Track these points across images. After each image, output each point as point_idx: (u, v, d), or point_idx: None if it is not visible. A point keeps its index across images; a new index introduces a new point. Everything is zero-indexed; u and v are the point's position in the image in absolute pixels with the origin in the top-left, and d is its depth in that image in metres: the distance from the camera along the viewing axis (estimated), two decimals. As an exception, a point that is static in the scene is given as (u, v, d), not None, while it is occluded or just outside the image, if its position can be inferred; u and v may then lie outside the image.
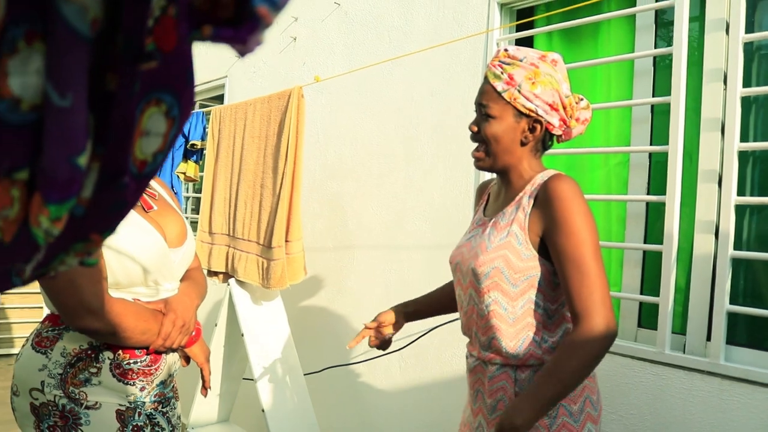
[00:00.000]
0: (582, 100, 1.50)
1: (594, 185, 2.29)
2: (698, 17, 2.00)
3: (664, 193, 1.98)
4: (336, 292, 3.15)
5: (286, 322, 3.02)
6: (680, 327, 2.00)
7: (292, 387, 2.87)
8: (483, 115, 1.48)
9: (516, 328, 1.43)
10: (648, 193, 2.12)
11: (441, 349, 2.61)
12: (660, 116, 2.11)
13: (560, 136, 1.51)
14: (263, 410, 2.72)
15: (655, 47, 2.12)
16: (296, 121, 2.66)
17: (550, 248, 1.40)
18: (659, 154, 2.09)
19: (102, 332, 1.38)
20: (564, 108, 1.45)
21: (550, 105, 1.43)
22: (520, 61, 1.44)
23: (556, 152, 2.33)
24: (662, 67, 2.13)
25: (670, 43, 2.04)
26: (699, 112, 1.93)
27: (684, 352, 1.93)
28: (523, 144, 1.47)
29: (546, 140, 1.51)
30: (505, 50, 1.47)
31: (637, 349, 2.01)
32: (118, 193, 0.42)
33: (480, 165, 1.53)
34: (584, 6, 2.20)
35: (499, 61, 1.46)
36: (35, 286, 6.01)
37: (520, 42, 2.49)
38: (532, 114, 1.43)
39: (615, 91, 2.24)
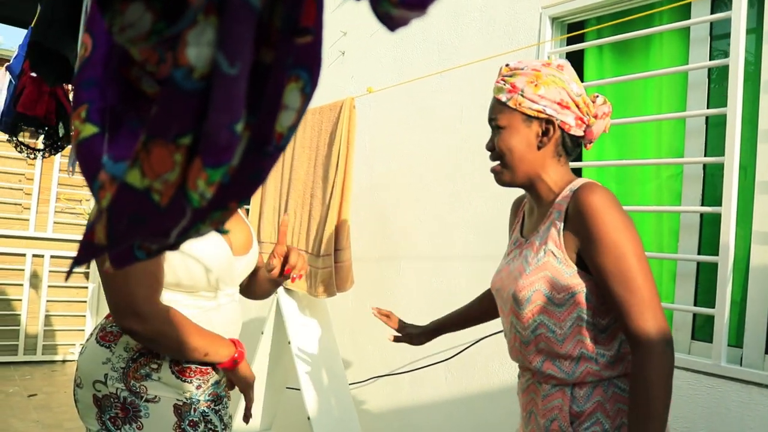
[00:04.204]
0: (598, 97, 1.44)
1: (645, 197, 2.28)
2: (755, 29, 1.99)
3: (718, 204, 1.97)
4: (381, 303, 3.17)
5: (332, 331, 3.05)
6: (735, 340, 1.97)
7: (337, 396, 2.89)
8: (494, 129, 1.46)
9: (567, 349, 1.36)
10: (702, 205, 2.11)
11: (488, 360, 2.61)
12: (714, 128, 2.10)
13: (583, 136, 1.45)
14: (309, 417, 2.74)
15: (710, 59, 2.11)
16: (348, 132, 2.70)
17: (589, 266, 1.33)
18: (713, 167, 2.07)
19: (143, 336, 1.41)
20: (577, 106, 1.39)
21: (558, 103, 1.38)
22: (521, 70, 1.41)
23: (607, 164, 2.33)
24: (716, 79, 2.12)
25: (725, 55, 2.04)
26: (756, 124, 1.92)
27: (741, 365, 1.91)
28: (539, 148, 1.42)
29: (567, 143, 1.44)
30: (506, 65, 1.45)
31: (692, 362, 1.98)
32: (261, 161, 0.46)
33: (500, 179, 1.49)
34: (636, 19, 2.22)
35: (502, 76, 1.45)
36: (79, 295, 6.19)
37: (570, 55, 2.50)
38: (542, 115, 1.39)
39: (666, 104, 2.24)
